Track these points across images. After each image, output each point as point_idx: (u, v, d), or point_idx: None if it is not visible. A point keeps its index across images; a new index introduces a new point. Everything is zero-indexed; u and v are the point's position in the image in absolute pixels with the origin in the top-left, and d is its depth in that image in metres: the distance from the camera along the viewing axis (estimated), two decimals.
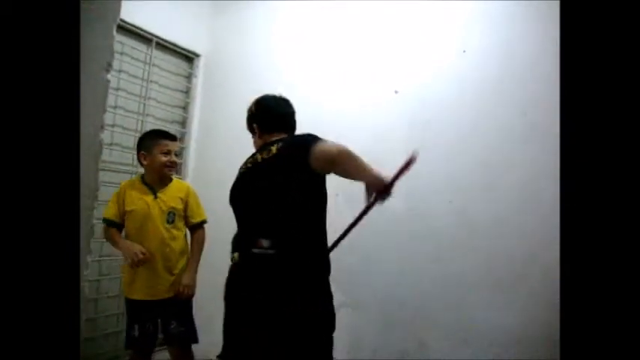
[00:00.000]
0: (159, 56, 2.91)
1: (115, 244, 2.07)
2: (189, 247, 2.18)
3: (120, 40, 2.61)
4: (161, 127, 2.92)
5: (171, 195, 2.12)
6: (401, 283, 2.33)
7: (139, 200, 2.07)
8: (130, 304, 2.10)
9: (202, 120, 3.15)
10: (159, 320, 2.09)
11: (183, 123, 3.12)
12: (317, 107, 2.68)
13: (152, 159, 2.08)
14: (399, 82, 2.45)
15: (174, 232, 2.10)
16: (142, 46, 2.81)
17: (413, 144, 2.37)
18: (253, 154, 1.74)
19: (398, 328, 2.31)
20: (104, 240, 2.13)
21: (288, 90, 2.77)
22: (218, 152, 3.03)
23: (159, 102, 2.94)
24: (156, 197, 2.08)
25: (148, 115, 2.84)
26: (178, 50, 3.04)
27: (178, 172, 3.07)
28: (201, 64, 3.14)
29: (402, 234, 2.36)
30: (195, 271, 2.14)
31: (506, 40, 2.20)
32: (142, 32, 2.76)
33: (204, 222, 2.21)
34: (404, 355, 2.27)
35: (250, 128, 1.84)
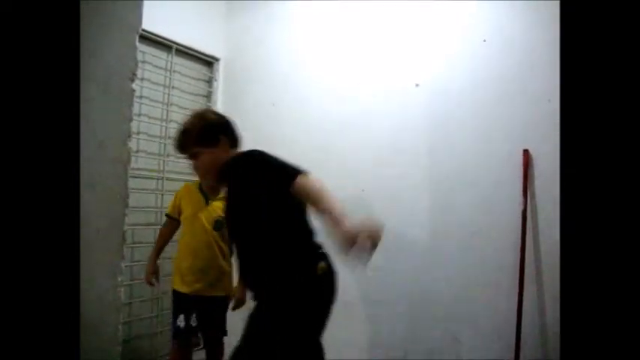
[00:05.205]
0: (179, 62, 2.95)
1: (155, 247, 2.28)
2: None
3: (141, 50, 2.65)
4: None
5: (221, 204, 2.13)
6: (430, 279, 2.31)
7: (193, 205, 2.19)
8: (175, 295, 2.21)
9: None
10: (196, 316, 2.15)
11: None
12: (338, 104, 2.68)
13: None
14: (419, 76, 2.43)
15: (220, 237, 2.18)
16: (162, 54, 2.85)
17: (435, 136, 2.39)
18: None
19: (429, 323, 2.29)
20: (135, 246, 2.16)
21: (308, 87, 2.81)
22: None
23: (181, 107, 2.97)
24: (207, 204, 2.18)
25: (171, 121, 2.88)
26: (198, 55, 3.07)
27: None
28: (220, 67, 3.17)
29: (428, 228, 2.34)
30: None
31: (528, 28, 2.16)
32: (161, 40, 2.80)
33: None
34: (436, 351, 2.26)
35: None
